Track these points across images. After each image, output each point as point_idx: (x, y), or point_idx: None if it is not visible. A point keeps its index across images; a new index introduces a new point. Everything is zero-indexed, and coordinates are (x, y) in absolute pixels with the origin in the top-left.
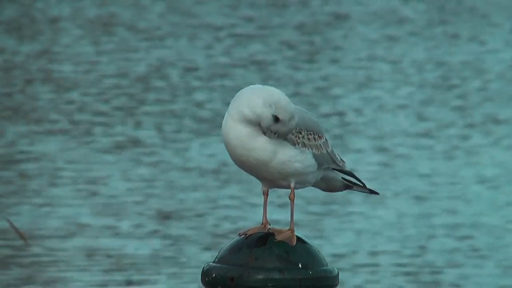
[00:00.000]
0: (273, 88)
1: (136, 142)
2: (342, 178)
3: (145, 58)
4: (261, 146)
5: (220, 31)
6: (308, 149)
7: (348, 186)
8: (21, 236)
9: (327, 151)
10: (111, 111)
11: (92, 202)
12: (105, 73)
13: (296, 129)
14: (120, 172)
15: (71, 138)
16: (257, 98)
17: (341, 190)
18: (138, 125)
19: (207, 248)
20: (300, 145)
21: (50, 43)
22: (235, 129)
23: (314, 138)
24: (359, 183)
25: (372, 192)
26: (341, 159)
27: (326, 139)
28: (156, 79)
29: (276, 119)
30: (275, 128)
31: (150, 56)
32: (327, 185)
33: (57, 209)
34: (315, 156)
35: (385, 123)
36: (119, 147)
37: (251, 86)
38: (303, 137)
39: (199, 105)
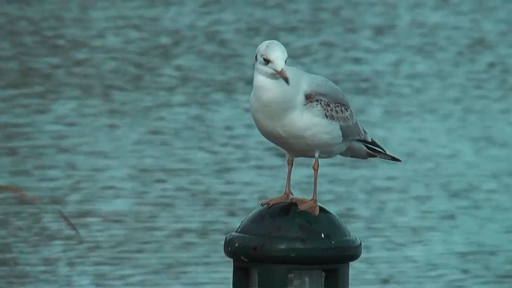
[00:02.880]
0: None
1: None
2: (365, 147)
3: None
4: (294, 117)
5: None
6: (335, 121)
7: (372, 155)
8: (72, 227)
9: (352, 123)
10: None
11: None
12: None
13: (324, 101)
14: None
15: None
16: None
17: (365, 158)
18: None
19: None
20: (328, 117)
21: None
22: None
23: (342, 110)
24: (381, 150)
25: (394, 159)
26: (364, 130)
27: (351, 111)
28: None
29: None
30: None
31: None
32: (352, 154)
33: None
34: (342, 128)
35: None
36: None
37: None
38: (331, 109)
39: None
